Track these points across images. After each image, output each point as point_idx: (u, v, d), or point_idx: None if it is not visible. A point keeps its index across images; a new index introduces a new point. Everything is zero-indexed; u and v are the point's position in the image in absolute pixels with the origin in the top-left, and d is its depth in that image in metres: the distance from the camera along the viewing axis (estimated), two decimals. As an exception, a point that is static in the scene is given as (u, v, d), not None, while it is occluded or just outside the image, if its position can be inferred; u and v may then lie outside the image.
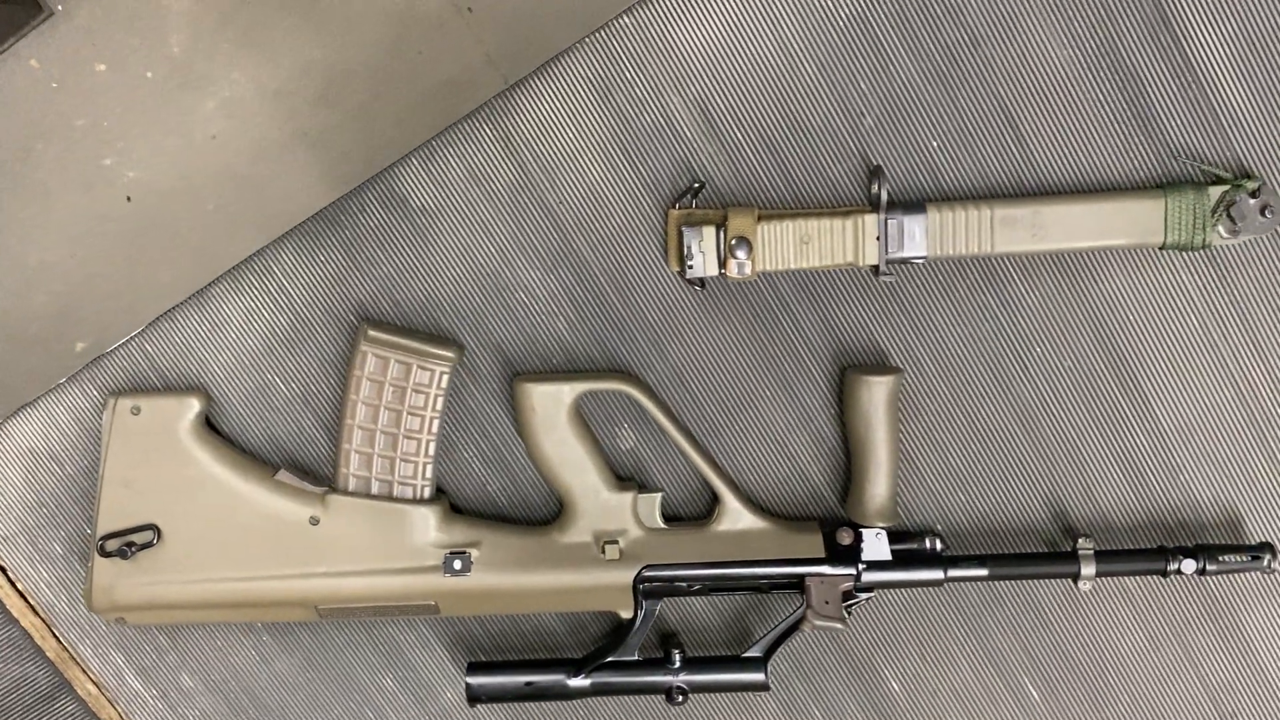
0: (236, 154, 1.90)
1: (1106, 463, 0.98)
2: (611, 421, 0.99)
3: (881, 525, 0.95)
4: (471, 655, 1.05)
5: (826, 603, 0.93)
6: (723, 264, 0.90)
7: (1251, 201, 0.90)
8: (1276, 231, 0.92)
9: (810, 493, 1.00)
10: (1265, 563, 0.95)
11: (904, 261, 0.91)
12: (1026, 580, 1.00)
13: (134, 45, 1.94)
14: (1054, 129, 0.91)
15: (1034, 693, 1.03)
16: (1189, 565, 0.94)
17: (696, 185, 0.92)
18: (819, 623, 0.92)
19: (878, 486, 0.94)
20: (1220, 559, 0.95)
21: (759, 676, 0.96)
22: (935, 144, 0.92)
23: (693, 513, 1.01)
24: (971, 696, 1.04)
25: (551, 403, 0.94)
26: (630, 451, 0.99)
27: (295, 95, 1.88)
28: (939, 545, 0.96)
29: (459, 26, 1.92)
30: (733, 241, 0.89)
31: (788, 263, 0.91)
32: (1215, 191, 0.90)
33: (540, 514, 1.01)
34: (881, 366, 0.97)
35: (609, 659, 0.97)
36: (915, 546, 0.97)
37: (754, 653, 0.97)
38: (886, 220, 0.90)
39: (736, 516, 0.96)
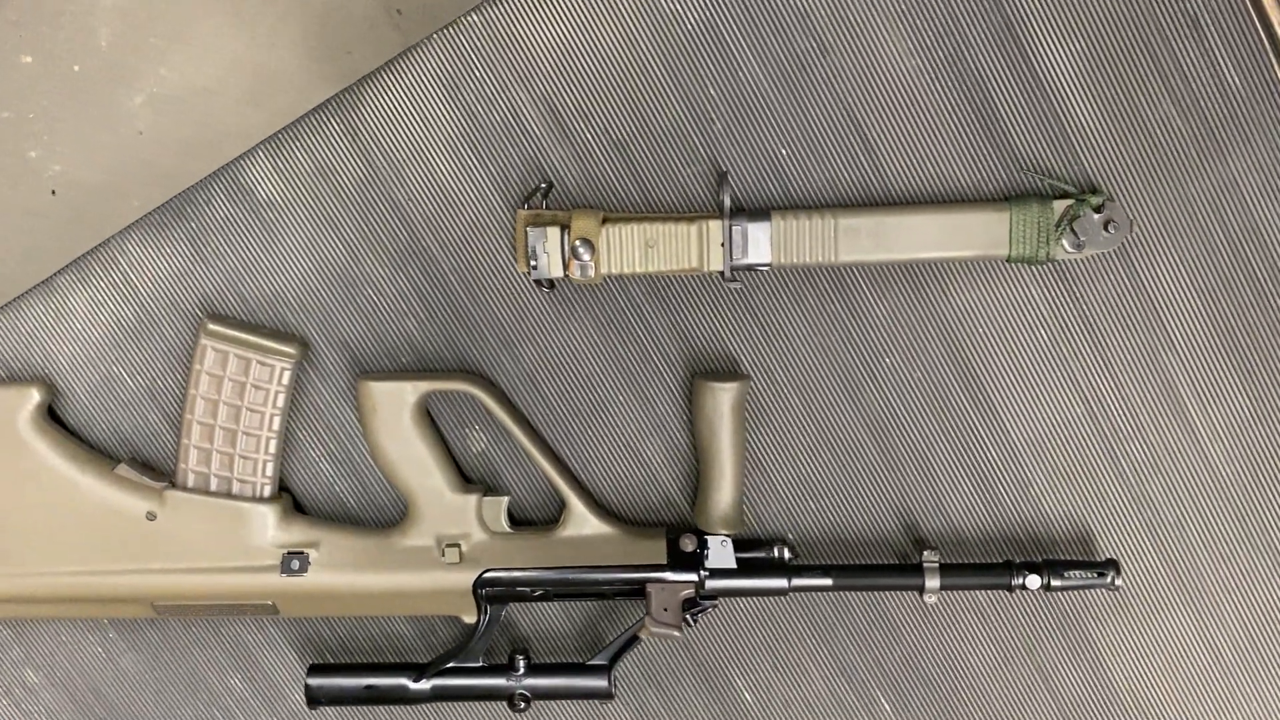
0: (163, 151, 1.88)
1: (957, 475, 0.98)
2: (462, 423, 0.98)
3: (727, 533, 0.94)
4: (321, 657, 1.03)
5: (665, 610, 0.92)
6: (567, 265, 0.89)
7: (1095, 216, 0.89)
8: (1122, 247, 0.92)
9: (663, 499, 0.99)
10: (1110, 580, 0.94)
11: (749, 268, 0.90)
12: (874, 591, 1.00)
13: (62, 38, 1.92)
14: (902, 138, 0.91)
15: (886, 705, 1.03)
16: (1033, 581, 0.94)
17: (544, 185, 0.91)
18: (656, 629, 0.91)
19: (723, 494, 0.94)
20: (1065, 575, 0.94)
21: (602, 683, 0.95)
22: (784, 151, 0.92)
23: (544, 518, 0.99)
24: (824, 708, 1.03)
25: (394, 402, 0.92)
26: (481, 454, 0.98)
27: (223, 94, 1.87)
28: (787, 554, 0.96)
29: (389, 28, 1.91)
30: (575, 243, 0.88)
31: (633, 266, 0.90)
32: (1060, 205, 0.89)
33: (388, 516, 0.99)
34: (728, 373, 0.96)
35: (451, 664, 0.96)
36: (762, 555, 0.96)
37: (599, 660, 0.96)
38: (731, 227, 0.89)
39: (582, 522, 0.95)
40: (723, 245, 0.89)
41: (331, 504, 0.99)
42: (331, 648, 1.03)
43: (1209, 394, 0.96)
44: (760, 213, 0.90)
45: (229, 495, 0.94)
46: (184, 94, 1.90)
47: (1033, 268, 0.93)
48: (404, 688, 0.95)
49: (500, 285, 0.95)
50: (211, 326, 0.92)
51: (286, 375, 0.93)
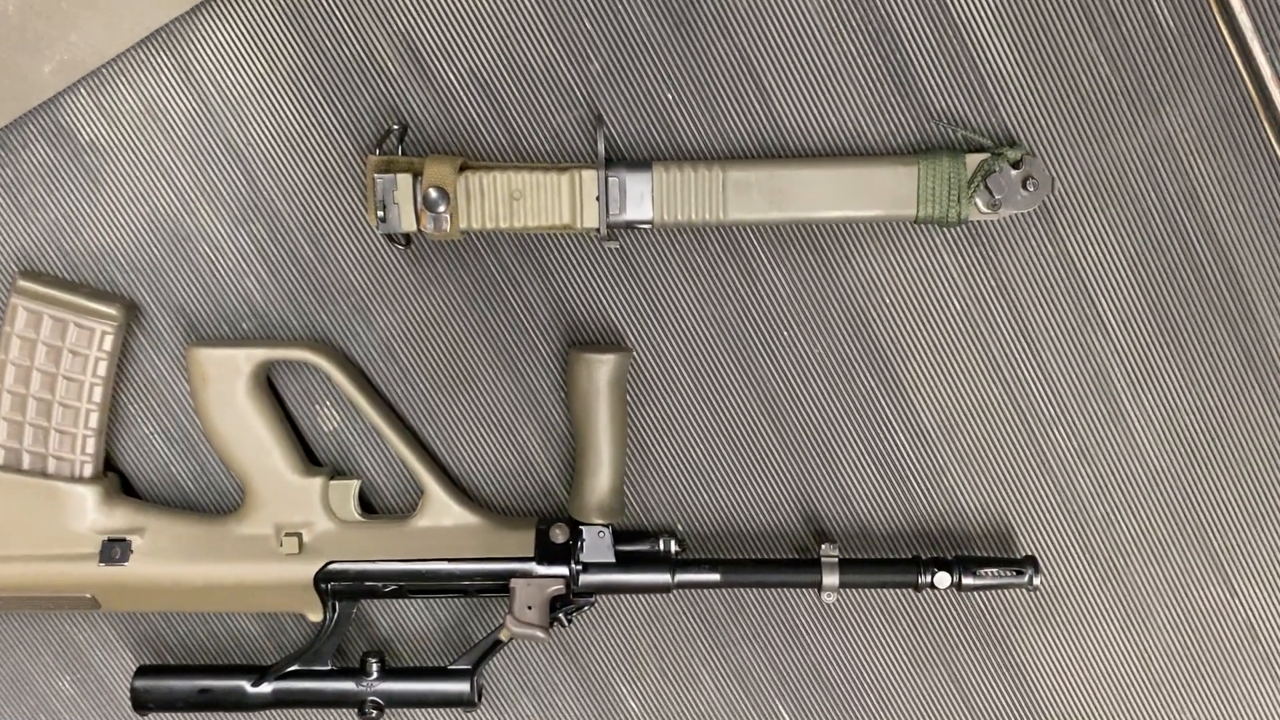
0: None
1: (863, 462, 0.88)
2: (312, 398, 0.87)
3: (604, 523, 0.84)
4: (158, 657, 0.93)
5: (529, 608, 0.82)
6: (419, 218, 0.79)
7: (1013, 173, 0.80)
8: (1042, 207, 0.83)
9: (539, 487, 0.89)
10: (1028, 579, 0.85)
11: (629, 226, 0.81)
12: (770, 589, 0.90)
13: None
14: (802, 84, 0.82)
15: (784, 713, 0.93)
16: (943, 579, 0.85)
17: (398, 128, 0.81)
18: (518, 630, 0.82)
19: (600, 479, 0.84)
20: (978, 573, 0.85)
21: (464, 689, 0.85)
22: (670, 96, 0.82)
23: (404, 505, 0.90)
24: (717, 717, 0.93)
25: (227, 372, 0.82)
26: (333, 434, 0.88)
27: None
28: (674, 547, 0.86)
29: None
30: (428, 192, 0.78)
31: (496, 221, 0.80)
32: (973, 160, 0.80)
33: (231, 501, 0.89)
34: (609, 344, 0.87)
35: (295, 667, 0.85)
36: (646, 548, 0.86)
37: (461, 664, 0.86)
38: (607, 177, 0.80)
39: (441, 510, 0.85)
40: (598, 199, 0.80)
41: (167, 487, 0.89)
42: (171, 647, 0.92)
43: (1140, 374, 0.87)
44: (641, 164, 0.80)
45: (43, 474, 0.83)
46: (95, 62, 1.79)
47: (944, 230, 0.84)
48: (242, 691, 0.85)
49: (353, 242, 0.85)
50: (23, 284, 0.82)
51: (109, 340, 0.83)
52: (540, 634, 0.82)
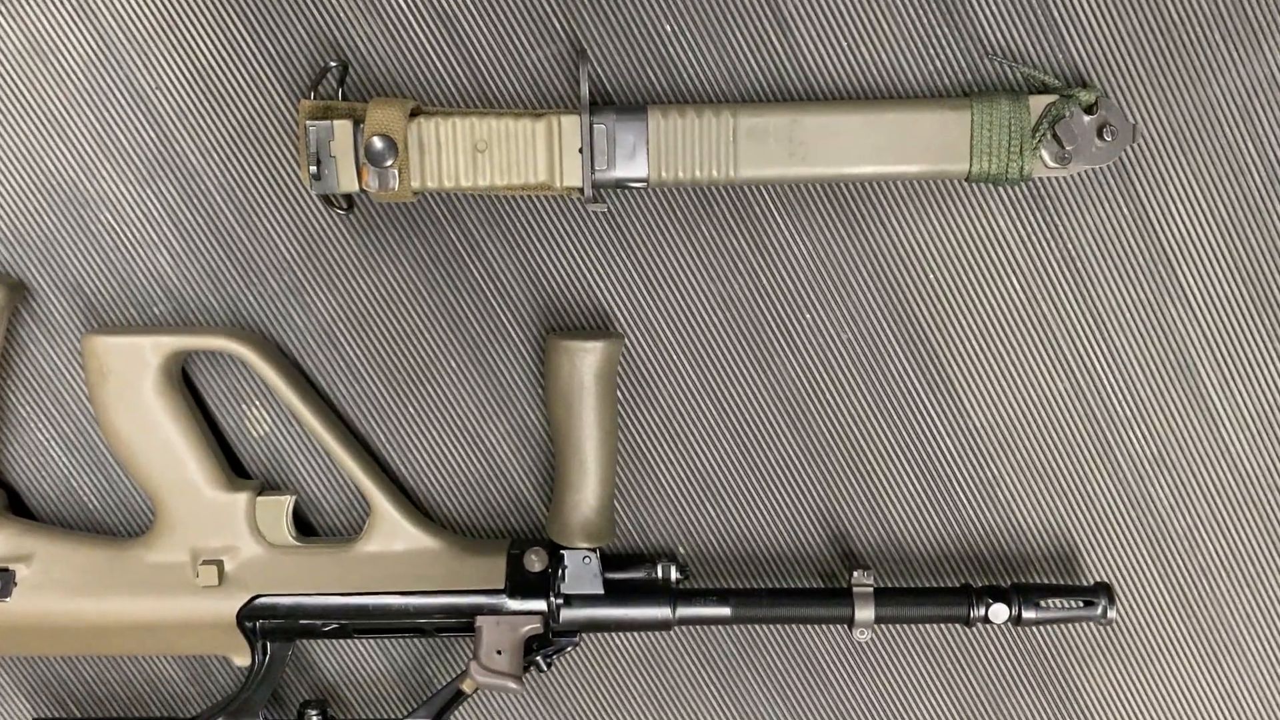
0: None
1: (901, 471, 0.74)
2: (238, 397, 0.73)
3: (589, 546, 0.70)
4: (60, 708, 0.78)
5: (499, 652, 0.68)
6: (361, 174, 0.65)
7: (1086, 119, 0.66)
8: (1119, 161, 0.69)
9: (512, 503, 0.75)
10: (1100, 611, 0.71)
11: (619, 185, 0.66)
12: (788, 625, 0.76)
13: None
14: (828, 14, 0.67)
15: (807, 774, 0.79)
16: (999, 612, 0.70)
17: (335, 65, 0.67)
18: (484, 679, 0.67)
19: (585, 493, 0.69)
20: (1041, 604, 0.70)
21: (420, 751, 0.71)
22: (669, 27, 0.68)
23: (349, 526, 0.75)
24: (727, 777, 0.79)
25: (131, 365, 0.67)
26: (264, 440, 0.73)
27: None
28: (674, 574, 0.72)
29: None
30: (371, 141, 0.64)
31: (457, 178, 0.66)
32: (1038, 103, 0.66)
33: (146, 522, 0.75)
34: (595, 330, 0.72)
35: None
36: (642, 575, 0.72)
37: (418, 718, 0.71)
38: (592, 125, 0.65)
39: (392, 531, 0.71)
40: (581, 151, 0.65)
41: (66, 504, 0.74)
42: (75, 695, 0.77)
43: (1231, 363, 0.72)
44: (633, 108, 0.66)
45: (-93, 490, 0.69)
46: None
47: (1000, 191, 0.70)
48: (154, 752, 0.71)
49: (284, 207, 0.70)
50: (-121, 258, 0.68)
51: (-12, 327, 0.69)
52: (512, 684, 0.67)
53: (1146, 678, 0.77)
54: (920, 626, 0.76)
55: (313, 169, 0.65)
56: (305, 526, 0.74)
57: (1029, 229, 0.70)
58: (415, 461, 0.74)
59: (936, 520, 0.75)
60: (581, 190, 0.66)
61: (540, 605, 0.69)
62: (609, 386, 0.69)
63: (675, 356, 0.72)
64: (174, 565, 0.69)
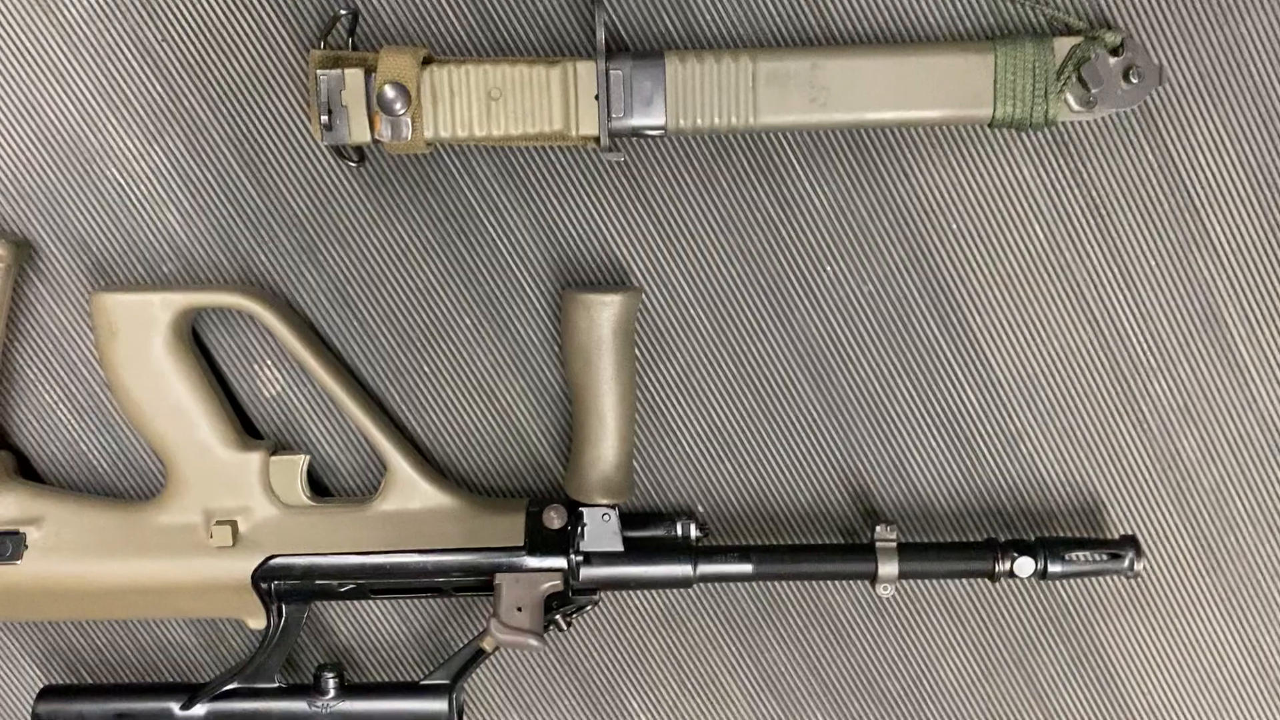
0: None
1: (924, 425, 0.73)
2: (250, 356, 0.71)
3: (609, 503, 0.69)
4: (73, 675, 0.77)
5: (519, 610, 0.67)
6: (373, 124, 0.64)
7: (1112, 61, 0.65)
8: (1145, 105, 0.67)
9: (528, 461, 0.74)
10: (1127, 563, 0.70)
11: (636, 134, 0.65)
12: (810, 582, 0.75)
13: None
14: (848, -46, 0.66)
15: (829, 733, 0.78)
16: (1025, 566, 0.69)
17: (346, 13, 0.65)
18: (504, 637, 0.66)
19: (603, 449, 0.68)
20: (1067, 558, 0.69)
21: (440, 708, 0.69)
22: (685, -29, 0.66)
23: (365, 485, 0.74)
24: (747, 737, 0.78)
25: (140, 323, 0.66)
26: (276, 400, 0.72)
27: None
28: (694, 532, 0.71)
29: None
30: (383, 89, 0.62)
31: (470, 128, 0.64)
32: (1063, 46, 0.65)
33: (157, 484, 0.73)
34: (612, 285, 0.71)
35: (234, 685, 0.70)
36: (661, 533, 0.71)
37: (436, 679, 0.70)
38: (609, 71, 0.64)
39: (408, 490, 0.70)
40: (597, 99, 0.64)
41: (75, 467, 0.73)
42: (86, 662, 0.76)
43: (1259, 313, 0.71)
44: (651, 54, 0.64)
45: (-86, 453, 0.68)
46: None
47: (1022, 137, 0.69)
48: (169, 715, 0.69)
49: (295, 161, 0.69)
50: (-119, 215, 0.66)
51: (-7, 285, 0.67)
52: (532, 641, 0.66)
53: (1171, 631, 0.76)
54: (942, 583, 0.75)
55: (324, 119, 0.63)
56: (319, 488, 0.73)
57: (1053, 176, 0.69)
58: (430, 421, 0.73)
59: (959, 475, 0.73)
60: (598, 139, 0.65)
61: (560, 563, 0.68)
62: (627, 340, 0.68)
63: (693, 311, 0.71)
64: (187, 526, 0.68)
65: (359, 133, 0.64)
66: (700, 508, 0.74)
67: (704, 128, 0.65)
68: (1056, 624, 0.76)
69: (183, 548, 0.68)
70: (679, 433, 0.73)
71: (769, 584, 0.75)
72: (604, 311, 0.67)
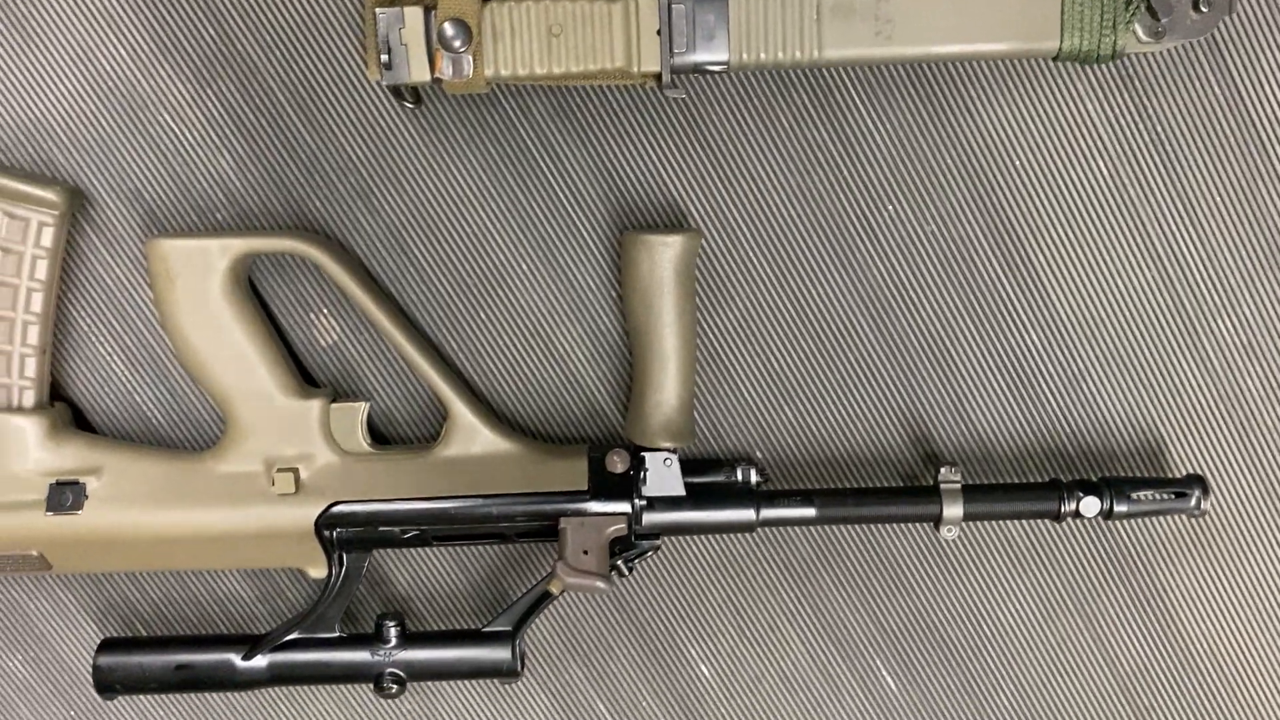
0: None
1: (985, 366, 0.72)
2: (305, 304, 0.71)
3: (671, 447, 0.68)
4: (129, 629, 0.77)
5: (585, 553, 0.66)
6: (433, 62, 0.63)
7: (1182, -11, 0.64)
8: (1210, 39, 0.66)
9: (587, 408, 0.73)
10: (1194, 502, 0.69)
11: (699, 70, 0.64)
12: (873, 525, 0.74)
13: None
14: (911, -115, 0.65)
15: (889, 679, 0.78)
16: (1090, 505, 0.69)
17: (402, -47, 0.65)
18: (572, 580, 0.65)
19: (665, 393, 0.68)
20: (1133, 497, 0.69)
21: (504, 656, 0.69)
22: (745, -95, 0.65)
23: (422, 434, 0.73)
24: (806, 684, 0.77)
25: (198, 269, 0.65)
26: (333, 349, 0.72)
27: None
28: (755, 477, 0.70)
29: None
30: (444, 26, 0.61)
31: (532, 65, 0.63)
32: (1132, -26, 0.64)
33: (211, 437, 0.73)
34: (671, 226, 0.70)
35: (296, 635, 0.69)
36: (721, 478, 0.70)
37: (499, 626, 0.70)
38: (670, 5, 0.63)
39: (470, 435, 0.69)
40: (659, 33, 0.63)
41: (130, 419, 0.72)
42: (142, 616, 0.76)
43: (1325, 249, 0.71)
44: (712, -12, 0.64)
45: (-28, 404, 0.67)
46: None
47: (1087, 71, 0.68)
48: (229, 667, 0.69)
49: (350, 104, 0.68)
50: (-65, 163, 0.65)
51: (49, 233, 0.66)
52: (599, 584, 0.65)
53: (1233, 572, 0.75)
54: (1003, 527, 0.75)
55: (383, 59, 0.62)
56: (377, 438, 0.72)
57: (1117, 111, 0.68)
58: (486, 368, 0.72)
59: (1020, 416, 0.73)
60: (659, 77, 0.64)
61: (624, 507, 0.67)
62: (688, 281, 0.67)
63: (752, 253, 0.70)
64: (247, 475, 0.68)
65: (419, 72, 0.63)
66: (759, 454, 0.74)
67: (767, 63, 0.64)
68: (1118, 566, 0.75)
69: (244, 496, 0.68)
70: (737, 378, 0.72)
71: (828, 531, 0.75)
72: (666, 252, 0.66)
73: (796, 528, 0.74)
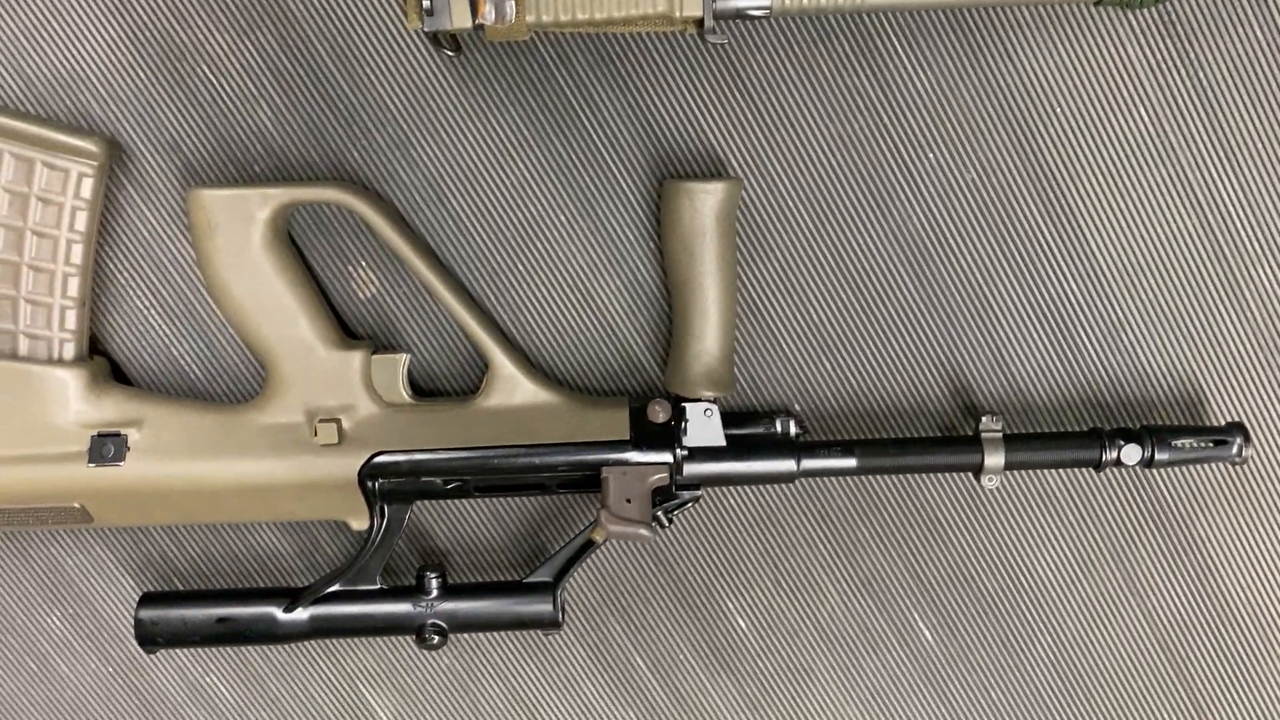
0: None
1: (1024, 315, 0.72)
2: (343, 257, 0.71)
3: (712, 396, 0.68)
4: (167, 585, 0.77)
5: (628, 501, 0.66)
6: (476, 9, 0.62)
7: (1228, -68, 0.64)
8: (1261, -21, 0.66)
9: (625, 361, 0.73)
10: (1235, 450, 0.69)
11: (740, 15, 0.64)
12: (912, 475, 0.74)
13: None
14: None
15: (926, 631, 0.78)
16: (1132, 453, 0.69)
17: (442, -102, 0.64)
18: (616, 528, 0.65)
19: (706, 342, 0.68)
20: (1174, 444, 0.69)
21: (545, 607, 0.69)
22: None
23: (460, 388, 0.73)
24: (842, 636, 0.78)
25: (238, 218, 0.65)
26: (372, 301, 0.71)
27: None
28: (793, 428, 0.70)
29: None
30: (487, -28, 0.61)
31: (574, 10, 0.63)
32: (1178, -84, 0.64)
33: (248, 391, 0.73)
34: (713, 176, 0.70)
35: (337, 587, 0.70)
36: (761, 430, 0.70)
37: (540, 576, 0.70)
38: (713, -51, 0.63)
39: (511, 386, 0.69)
40: (701, -22, 0.63)
41: (167, 373, 0.72)
42: (179, 572, 0.76)
43: (1366, 197, 0.70)
44: (754, -67, 0.63)
45: (13, 356, 0.67)
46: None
47: (1131, 15, 0.67)
48: (271, 619, 0.69)
49: (389, 54, 0.68)
50: (-26, 114, 0.65)
51: (88, 185, 0.66)
52: (644, 531, 0.65)
53: (1272, 523, 0.75)
54: (1041, 478, 0.75)
55: (425, 4, 0.62)
56: (416, 391, 0.72)
57: (1159, 57, 0.68)
58: (524, 320, 0.72)
59: (1059, 366, 0.73)
60: (700, 21, 0.63)
61: (665, 457, 0.67)
62: (729, 229, 0.67)
63: (791, 203, 0.70)
64: (289, 426, 0.68)
65: (460, 17, 0.62)
66: (798, 406, 0.74)
67: (809, 7, 0.63)
68: (1156, 517, 0.75)
69: (286, 447, 0.67)
70: (776, 330, 0.72)
71: (865, 483, 0.75)
72: (707, 199, 0.66)
73: (833, 480, 0.74)
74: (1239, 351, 0.72)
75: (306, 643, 0.76)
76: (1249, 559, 0.76)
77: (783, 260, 0.71)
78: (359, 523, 0.70)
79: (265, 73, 0.68)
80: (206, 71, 0.68)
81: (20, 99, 0.68)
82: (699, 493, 0.70)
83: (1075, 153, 0.69)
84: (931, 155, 0.69)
